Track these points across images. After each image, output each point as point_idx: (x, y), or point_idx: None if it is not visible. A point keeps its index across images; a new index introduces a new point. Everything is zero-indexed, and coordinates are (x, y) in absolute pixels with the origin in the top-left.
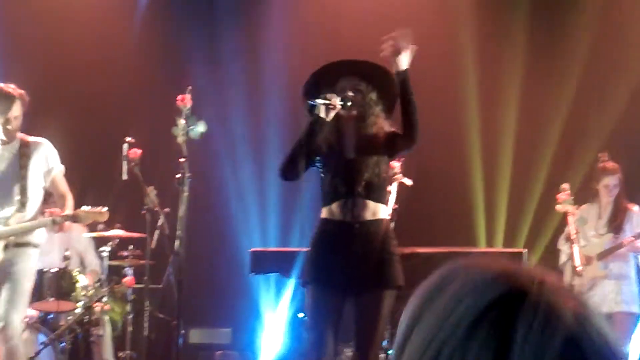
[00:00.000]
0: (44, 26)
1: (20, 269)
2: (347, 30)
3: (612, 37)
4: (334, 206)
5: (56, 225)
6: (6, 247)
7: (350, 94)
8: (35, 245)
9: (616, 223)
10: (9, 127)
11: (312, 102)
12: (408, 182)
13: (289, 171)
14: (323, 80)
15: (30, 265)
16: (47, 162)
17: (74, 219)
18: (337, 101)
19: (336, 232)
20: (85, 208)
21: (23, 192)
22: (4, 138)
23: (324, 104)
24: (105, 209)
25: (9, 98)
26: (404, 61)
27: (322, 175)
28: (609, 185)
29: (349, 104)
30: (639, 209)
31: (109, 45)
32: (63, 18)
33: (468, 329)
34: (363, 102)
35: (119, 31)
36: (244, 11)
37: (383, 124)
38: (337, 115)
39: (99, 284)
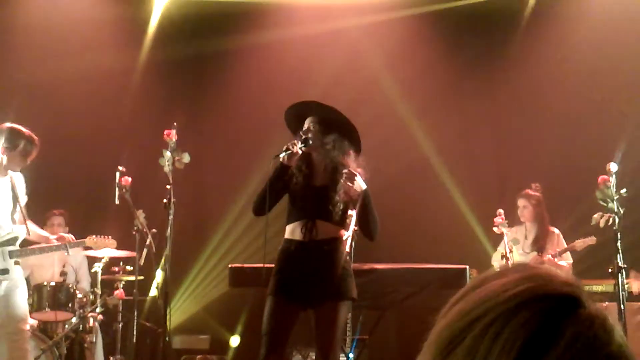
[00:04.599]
0: (46, 65)
1: (22, 287)
2: (313, 75)
3: (541, 87)
4: (295, 225)
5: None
6: (17, 263)
7: (310, 135)
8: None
9: (540, 244)
10: (18, 169)
11: (276, 155)
12: None
13: (259, 209)
14: (297, 113)
15: (24, 282)
16: (23, 192)
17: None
18: (297, 148)
19: (295, 251)
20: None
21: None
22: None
23: (286, 154)
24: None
25: (34, 147)
26: (360, 184)
27: (291, 198)
28: (519, 206)
29: (310, 142)
30: (559, 232)
31: (106, 85)
32: (64, 58)
33: (516, 307)
34: (321, 142)
35: (115, 74)
36: (224, 58)
37: (346, 161)
38: (308, 152)
39: (91, 297)
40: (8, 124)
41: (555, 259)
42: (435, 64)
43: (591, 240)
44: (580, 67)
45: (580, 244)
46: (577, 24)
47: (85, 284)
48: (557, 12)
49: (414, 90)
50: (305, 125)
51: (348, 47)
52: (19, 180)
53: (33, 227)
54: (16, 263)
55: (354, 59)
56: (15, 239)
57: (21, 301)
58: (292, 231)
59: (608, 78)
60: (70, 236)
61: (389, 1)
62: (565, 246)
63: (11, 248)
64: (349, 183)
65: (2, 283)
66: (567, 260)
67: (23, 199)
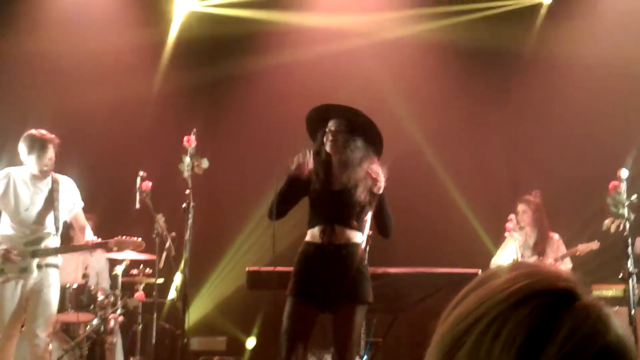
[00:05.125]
0: (71, 74)
1: (52, 289)
2: (329, 91)
3: (551, 97)
4: (315, 230)
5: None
6: (39, 267)
7: (328, 139)
8: (58, 266)
9: (540, 248)
10: (45, 168)
11: (288, 168)
12: None
13: (273, 215)
14: (319, 116)
15: (58, 285)
16: (71, 198)
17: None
18: (308, 158)
19: (315, 254)
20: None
21: (56, 220)
22: (39, 175)
23: (296, 167)
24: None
25: (44, 143)
26: (381, 186)
27: (310, 202)
28: (519, 211)
29: (328, 148)
30: (559, 236)
31: (127, 94)
32: (93, 78)
33: (514, 305)
34: (344, 144)
35: (136, 81)
36: (242, 72)
37: (366, 163)
38: (326, 154)
39: (112, 298)
40: (27, 132)
41: (557, 263)
42: (447, 72)
43: (594, 245)
44: (591, 74)
45: (583, 248)
46: (588, 33)
47: (104, 285)
48: (568, 21)
49: (425, 99)
50: (329, 127)
51: (362, 65)
52: (67, 185)
53: (88, 232)
54: (48, 266)
55: (368, 76)
56: (40, 239)
57: (45, 306)
58: (312, 235)
59: (618, 85)
60: (95, 239)
61: (402, 19)
62: (565, 251)
63: (34, 248)
64: (372, 184)
65: (27, 281)
66: (566, 265)
67: (76, 204)
